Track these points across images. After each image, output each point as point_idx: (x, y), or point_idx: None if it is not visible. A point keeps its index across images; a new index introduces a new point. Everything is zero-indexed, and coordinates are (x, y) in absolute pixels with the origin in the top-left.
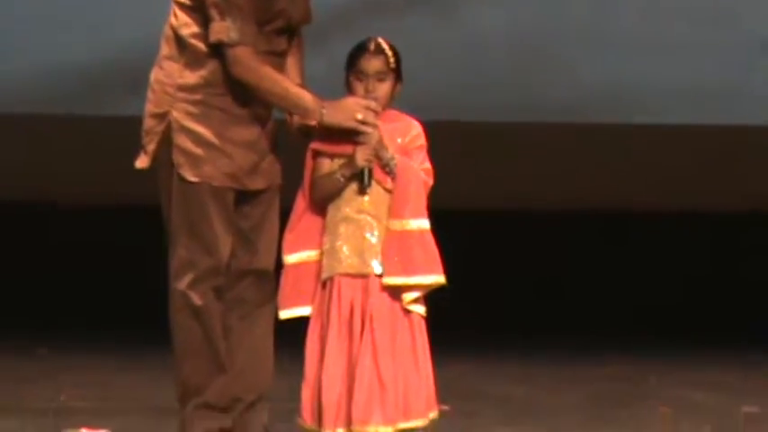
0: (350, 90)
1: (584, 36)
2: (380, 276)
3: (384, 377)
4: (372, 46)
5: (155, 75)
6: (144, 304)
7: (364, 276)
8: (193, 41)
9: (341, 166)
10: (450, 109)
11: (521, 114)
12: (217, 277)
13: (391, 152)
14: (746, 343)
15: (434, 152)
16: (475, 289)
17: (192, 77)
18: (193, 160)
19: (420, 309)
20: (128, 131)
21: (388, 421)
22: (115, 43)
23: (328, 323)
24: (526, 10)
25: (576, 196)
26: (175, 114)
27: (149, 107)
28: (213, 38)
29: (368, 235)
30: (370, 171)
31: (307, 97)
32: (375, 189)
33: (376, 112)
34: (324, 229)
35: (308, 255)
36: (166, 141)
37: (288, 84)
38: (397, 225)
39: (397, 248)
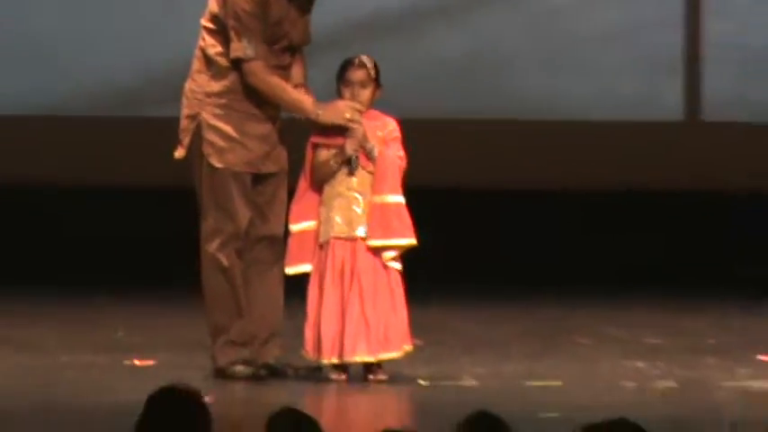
0: (340, 95)
1: (521, 54)
2: (365, 239)
3: (368, 318)
4: (357, 61)
5: (188, 85)
6: (181, 263)
7: (353, 240)
8: (218, 58)
9: (334, 155)
10: (417, 109)
11: (474, 113)
12: (238, 241)
13: (373, 143)
14: (654, 287)
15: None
16: (444, 250)
17: (217, 86)
18: (219, 151)
19: (397, 265)
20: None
21: (371, 352)
22: (157, 60)
23: (325, 276)
24: (477, 35)
25: (516, 176)
26: (204, 115)
27: (184, 111)
28: (233, 55)
29: (355, 207)
30: (357, 158)
31: (306, 101)
32: (361, 172)
33: (360, 112)
34: (321, 204)
35: (309, 224)
36: (198, 136)
37: (291, 90)
38: (377, 199)
39: (378, 217)
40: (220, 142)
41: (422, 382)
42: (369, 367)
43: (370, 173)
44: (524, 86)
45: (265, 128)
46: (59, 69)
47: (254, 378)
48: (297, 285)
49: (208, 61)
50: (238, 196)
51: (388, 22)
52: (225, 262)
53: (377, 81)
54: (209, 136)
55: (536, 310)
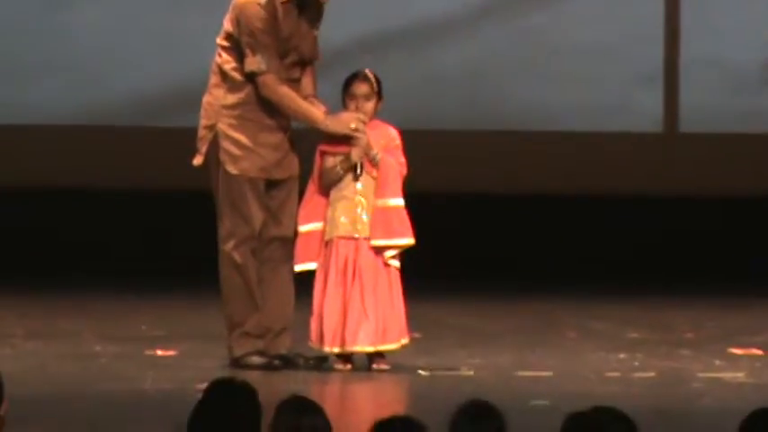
0: (345, 107)
1: (515, 67)
2: (367, 239)
3: (368, 312)
4: (361, 75)
5: (205, 99)
6: (201, 261)
7: (355, 239)
8: (233, 73)
9: (340, 162)
10: (417, 120)
11: (470, 124)
12: (252, 242)
13: (376, 150)
14: (634, 285)
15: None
16: (442, 250)
17: (232, 99)
18: (235, 159)
19: (396, 263)
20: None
21: (370, 344)
22: (175, 76)
23: (329, 273)
24: (474, 50)
25: (507, 183)
26: (221, 126)
27: (202, 122)
28: (248, 69)
29: (359, 210)
30: (362, 164)
31: (315, 112)
32: (365, 177)
33: (364, 123)
34: (327, 206)
35: (316, 225)
36: (215, 145)
37: (301, 102)
38: (380, 203)
39: (380, 219)
40: (236, 150)
41: (421, 372)
42: (372, 357)
43: (373, 178)
44: (512, 98)
45: (277, 137)
46: (89, 82)
47: (268, 368)
48: (306, 282)
49: (223, 76)
50: (252, 200)
51: (391, 40)
52: (240, 260)
53: (379, 94)
54: (226, 145)
55: (526, 306)
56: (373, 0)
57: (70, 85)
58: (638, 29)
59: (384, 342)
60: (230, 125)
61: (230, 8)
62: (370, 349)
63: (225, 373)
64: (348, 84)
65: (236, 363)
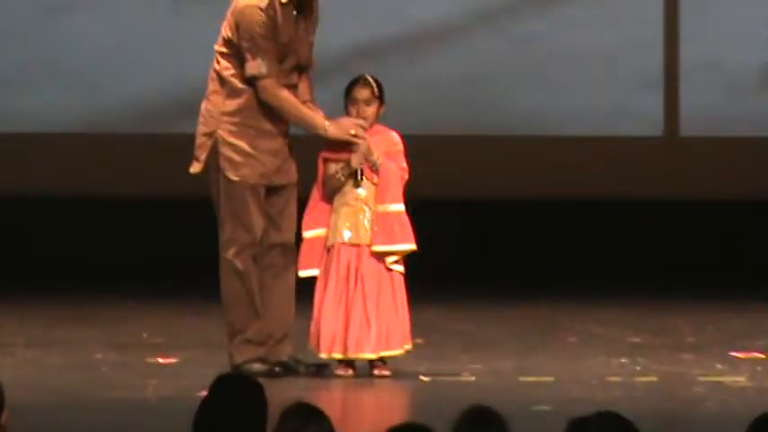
0: (346, 112)
1: (514, 72)
2: (369, 245)
3: (371, 319)
4: (362, 80)
5: (204, 105)
6: (202, 268)
7: (358, 245)
8: (232, 79)
9: (341, 168)
10: (416, 125)
11: (470, 129)
12: (253, 249)
13: (377, 156)
14: (635, 290)
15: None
16: (442, 255)
17: (231, 105)
18: (235, 165)
19: (399, 268)
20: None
21: (373, 350)
22: (174, 83)
23: (330, 278)
24: (474, 55)
25: (508, 188)
26: (221, 132)
27: (201, 129)
28: (248, 73)
29: (361, 216)
30: (362, 171)
31: (316, 118)
32: (366, 183)
33: (365, 128)
34: (330, 213)
35: (320, 231)
36: (215, 152)
37: (301, 107)
38: (381, 208)
39: (381, 225)
40: (236, 157)
41: (423, 377)
42: (373, 363)
43: (374, 184)
44: (512, 103)
45: (276, 143)
46: (90, 90)
47: (269, 375)
48: (307, 289)
49: (222, 82)
50: (253, 207)
51: (391, 46)
52: (241, 267)
53: (381, 99)
54: (226, 151)
55: (528, 311)
56: (372, 7)
57: (69, 92)
58: (637, 33)
59: (387, 348)
60: (230, 132)
61: (229, 13)
62: (373, 356)
63: None
64: (349, 88)
65: (237, 370)
